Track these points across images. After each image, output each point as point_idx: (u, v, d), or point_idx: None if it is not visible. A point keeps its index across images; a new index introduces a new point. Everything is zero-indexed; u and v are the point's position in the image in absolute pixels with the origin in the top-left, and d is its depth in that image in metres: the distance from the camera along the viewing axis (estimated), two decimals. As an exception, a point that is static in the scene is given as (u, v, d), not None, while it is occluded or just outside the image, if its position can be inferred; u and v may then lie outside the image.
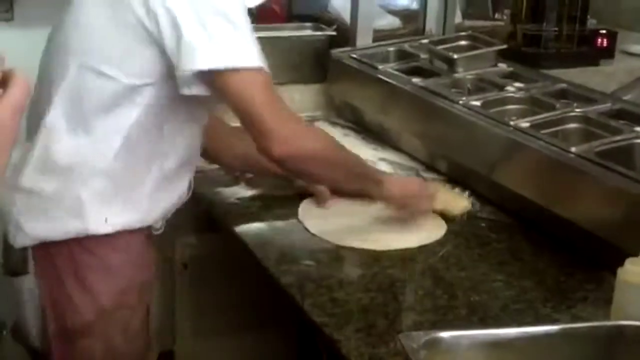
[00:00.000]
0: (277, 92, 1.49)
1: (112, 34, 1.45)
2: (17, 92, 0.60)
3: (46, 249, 1.52)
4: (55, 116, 1.48)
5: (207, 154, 1.74)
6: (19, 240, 1.53)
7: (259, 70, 1.43)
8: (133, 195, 1.52)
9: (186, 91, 1.42)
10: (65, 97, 1.48)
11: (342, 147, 1.63)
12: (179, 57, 1.40)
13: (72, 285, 1.52)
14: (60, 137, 1.47)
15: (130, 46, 1.44)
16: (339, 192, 1.73)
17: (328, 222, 1.68)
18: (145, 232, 1.57)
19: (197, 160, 1.66)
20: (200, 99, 1.46)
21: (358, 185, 1.64)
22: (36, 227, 1.50)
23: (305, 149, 1.50)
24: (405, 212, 1.67)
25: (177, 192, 1.60)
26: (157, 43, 1.42)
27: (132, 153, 1.49)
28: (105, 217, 1.50)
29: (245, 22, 1.46)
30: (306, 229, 1.66)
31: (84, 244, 1.50)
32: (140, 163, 1.51)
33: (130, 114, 1.46)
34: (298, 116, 1.59)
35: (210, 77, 1.41)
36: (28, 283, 1.57)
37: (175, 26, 1.40)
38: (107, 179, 1.48)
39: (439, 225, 1.69)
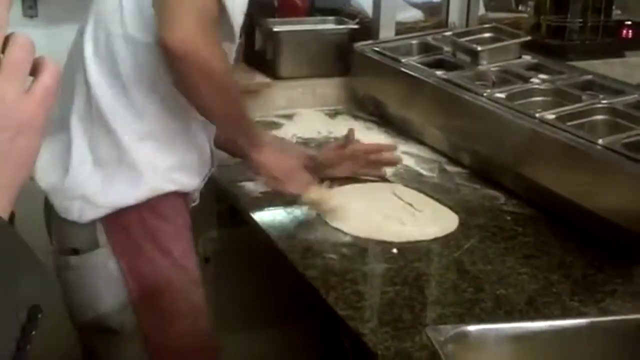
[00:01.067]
0: (212, 8, 1.43)
1: None
2: (48, 77, 0.61)
3: (118, 219, 1.53)
4: (102, 86, 1.52)
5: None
6: (89, 214, 1.53)
7: None
8: (184, 158, 1.58)
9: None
10: (103, 70, 1.52)
11: (234, 83, 1.58)
12: None
13: (152, 251, 1.55)
14: (112, 106, 1.52)
15: (140, 2, 1.48)
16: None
17: (348, 215, 1.67)
18: (189, 197, 1.65)
19: (211, 128, 1.67)
20: None
21: (236, 134, 1.63)
22: (107, 196, 1.52)
23: (204, 55, 1.42)
24: (273, 185, 1.69)
25: (204, 157, 1.65)
26: None
27: (174, 116, 1.55)
28: (171, 179, 1.56)
29: None
30: (328, 223, 1.65)
31: (153, 208, 1.55)
32: (182, 125, 1.57)
33: (160, 76, 1.50)
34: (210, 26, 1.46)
35: None
36: (96, 259, 1.55)
37: None
38: (158, 141, 1.54)
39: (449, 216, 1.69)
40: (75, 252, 1.56)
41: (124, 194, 1.53)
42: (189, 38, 1.39)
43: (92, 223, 1.54)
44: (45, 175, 1.54)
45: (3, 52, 0.59)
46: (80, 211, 1.53)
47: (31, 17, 2.44)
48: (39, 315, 0.58)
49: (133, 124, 1.53)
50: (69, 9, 2.34)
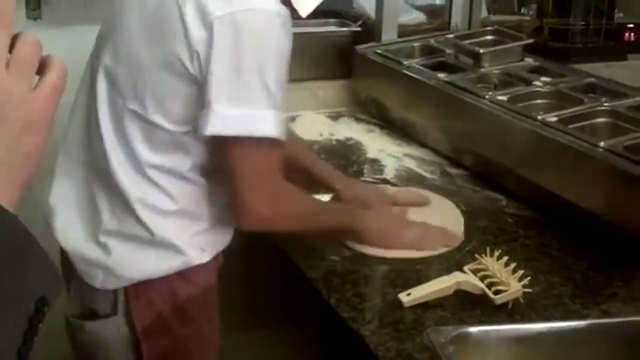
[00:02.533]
0: (276, 166, 1.42)
1: (154, 74, 1.38)
2: (55, 75, 0.62)
3: (143, 287, 1.46)
4: (117, 163, 1.44)
5: None
6: (112, 283, 1.46)
7: (269, 140, 1.37)
8: (213, 221, 1.50)
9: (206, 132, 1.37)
10: (117, 145, 1.44)
11: (314, 212, 1.56)
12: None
13: (172, 318, 1.49)
14: (128, 182, 1.44)
15: (173, 91, 1.38)
16: None
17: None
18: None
19: None
20: None
21: (340, 234, 1.59)
22: (132, 269, 1.46)
23: (276, 225, 1.48)
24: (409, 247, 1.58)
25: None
26: (199, 88, 1.36)
27: (200, 189, 1.47)
28: (201, 247, 1.49)
29: (279, 79, 1.38)
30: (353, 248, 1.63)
31: (184, 276, 1.48)
32: (207, 195, 1.49)
33: (185, 161, 1.44)
34: (281, 185, 1.46)
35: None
36: (113, 324, 1.48)
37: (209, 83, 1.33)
38: (185, 215, 1.46)
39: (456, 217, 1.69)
40: (93, 313, 1.50)
41: (152, 267, 1.46)
42: (255, 219, 1.41)
43: (113, 290, 1.48)
44: (68, 234, 1.49)
45: (11, 50, 0.59)
46: (103, 279, 1.47)
47: (35, 19, 2.45)
48: (46, 308, 0.59)
49: (152, 201, 1.45)
50: (72, 11, 2.36)
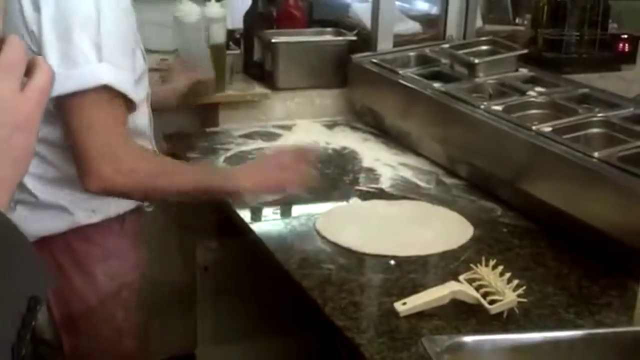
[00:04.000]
0: (118, 121, 1.46)
1: None
2: (43, 77, 0.63)
3: (45, 243, 1.55)
4: None
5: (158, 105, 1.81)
6: None
7: (102, 88, 1.41)
8: None
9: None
10: None
11: (173, 162, 1.60)
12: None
13: (73, 274, 1.59)
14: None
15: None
16: None
17: (347, 230, 1.67)
18: (137, 211, 1.65)
19: (148, 129, 1.67)
20: None
21: (208, 197, 1.63)
22: (33, 227, 1.51)
23: (121, 185, 1.46)
24: (279, 190, 1.69)
25: None
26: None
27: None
28: (93, 209, 1.57)
29: (110, 27, 1.43)
30: (325, 236, 1.66)
31: (80, 233, 1.58)
32: None
33: (56, 129, 1.49)
34: (126, 142, 1.49)
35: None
36: None
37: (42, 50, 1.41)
38: (75, 180, 1.51)
39: (465, 229, 1.68)
40: None
41: (49, 225, 1.57)
42: (99, 180, 1.43)
43: None
44: None
45: None
46: None
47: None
48: (38, 307, 0.59)
49: (40, 172, 1.54)
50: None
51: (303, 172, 1.66)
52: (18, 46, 0.62)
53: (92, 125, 1.43)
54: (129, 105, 1.49)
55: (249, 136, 2.25)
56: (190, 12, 2.14)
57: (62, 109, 1.44)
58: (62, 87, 1.38)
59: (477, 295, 1.36)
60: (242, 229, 1.78)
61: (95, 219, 1.58)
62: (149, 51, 1.70)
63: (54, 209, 1.56)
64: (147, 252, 1.74)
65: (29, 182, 1.53)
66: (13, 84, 0.61)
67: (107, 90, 1.43)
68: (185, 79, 1.99)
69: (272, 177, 1.64)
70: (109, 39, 1.43)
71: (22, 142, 0.62)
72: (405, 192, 1.91)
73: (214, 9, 2.20)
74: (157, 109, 1.76)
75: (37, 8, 1.43)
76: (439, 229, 1.70)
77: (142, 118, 1.63)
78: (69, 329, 1.63)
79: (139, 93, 1.54)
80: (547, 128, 1.77)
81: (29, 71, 0.63)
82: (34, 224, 1.53)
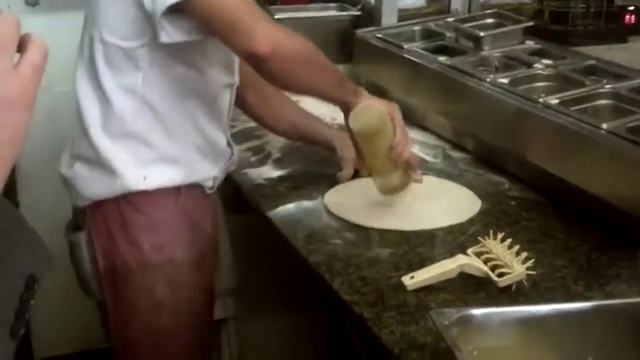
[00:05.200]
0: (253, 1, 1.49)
1: (107, 2, 1.56)
2: (35, 52, 0.61)
3: (98, 207, 1.64)
4: (83, 88, 1.61)
5: (263, 122, 1.88)
6: (75, 201, 1.69)
7: None
8: (169, 152, 1.62)
9: (165, 38, 1.49)
10: (84, 70, 1.61)
11: (320, 51, 1.59)
12: (152, 4, 1.47)
13: (120, 239, 1.62)
14: (90, 106, 1.60)
15: (123, 9, 1.53)
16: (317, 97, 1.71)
17: (354, 205, 1.67)
18: (198, 191, 1.67)
19: (225, 117, 1.71)
20: (194, 46, 1.55)
21: (339, 93, 1.60)
22: (87, 189, 1.64)
23: (289, 45, 1.49)
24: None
25: (215, 150, 1.68)
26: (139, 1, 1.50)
27: (153, 113, 1.59)
28: (144, 175, 1.60)
29: None
30: (332, 213, 1.65)
31: (130, 201, 1.61)
32: (165, 121, 1.60)
33: (137, 76, 1.56)
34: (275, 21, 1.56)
35: (184, 12, 1.46)
36: (82, 238, 1.67)
37: None
38: (136, 139, 1.60)
39: (472, 203, 1.67)
40: (77, 226, 1.71)
41: (101, 188, 1.62)
42: (267, 37, 1.43)
43: (84, 208, 1.66)
44: (61, 161, 1.71)
45: None
46: (74, 198, 1.69)
47: (33, 5, 2.44)
48: (36, 285, 0.59)
49: (106, 123, 1.60)
50: (70, -3, 2.34)
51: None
52: (11, 22, 0.60)
53: (238, 4, 1.46)
54: None
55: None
56: None
57: (187, 8, 1.45)
58: None
59: (486, 268, 1.35)
60: (250, 204, 1.78)
61: (144, 185, 1.60)
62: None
63: (107, 171, 1.60)
64: (225, 245, 1.78)
65: (94, 133, 1.59)
66: (5, 60, 0.59)
67: None
68: (349, 163, 1.79)
69: (398, 117, 1.62)
70: None
71: (16, 120, 0.60)
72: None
73: None
74: (298, 137, 1.82)
75: None
76: (446, 203, 1.69)
77: (222, 104, 1.67)
78: (110, 288, 1.66)
79: (223, 78, 1.62)
80: (554, 100, 1.75)
81: (22, 47, 0.61)
82: (88, 186, 1.63)
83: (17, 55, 0.61)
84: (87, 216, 1.66)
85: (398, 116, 1.63)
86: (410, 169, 1.67)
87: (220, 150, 1.70)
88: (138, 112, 1.58)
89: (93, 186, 1.63)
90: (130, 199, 1.61)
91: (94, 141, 1.60)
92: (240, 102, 1.81)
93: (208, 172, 1.68)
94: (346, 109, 1.61)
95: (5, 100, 0.59)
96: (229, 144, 1.73)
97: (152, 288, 1.63)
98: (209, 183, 1.69)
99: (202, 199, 1.69)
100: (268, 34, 1.44)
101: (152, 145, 1.60)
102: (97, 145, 1.60)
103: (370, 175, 1.68)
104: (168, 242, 1.63)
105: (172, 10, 1.46)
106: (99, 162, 1.61)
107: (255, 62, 1.48)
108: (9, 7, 2.34)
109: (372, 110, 1.59)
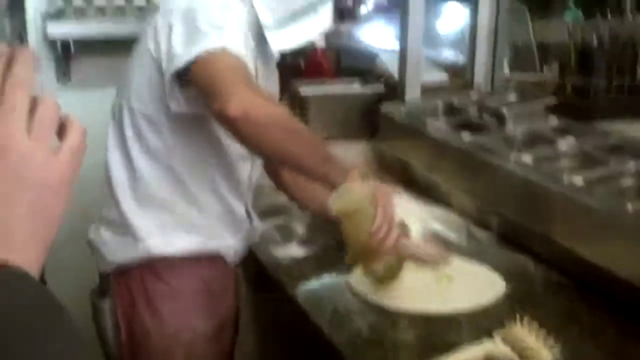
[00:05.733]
0: (244, 68, 1.50)
1: (136, 71, 1.64)
2: (74, 137, 0.63)
3: (122, 273, 1.67)
4: (112, 153, 1.66)
5: (295, 200, 1.90)
6: (100, 267, 1.72)
7: (222, 49, 1.48)
8: (190, 219, 1.65)
9: (175, 107, 1.56)
10: (113, 136, 1.66)
11: (305, 126, 1.59)
12: (165, 69, 1.54)
13: (142, 307, 1.65)
14: (117, 171, 1.65)
15: (147, 76, 1.60)
16: (300, 173, 1.63)
17: (380, 285, 1.66)
18: (218, 261, 1.70)
19: (244, 187, 1.74)
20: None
21: (324, 169, 1.49)
22: (110, 254, 1.67)
23: (262, 109, 1.44)
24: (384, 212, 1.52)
25: (234, 218, 1.71)
26: (159, 67, 1.56)
27: (176, 179, 1.63)
28: (166, 242, 1.64)
29: (224, 19, 1.53)
30: (357, 292, 1.65)
31: (152, 269, 1.64)
32: (187, 188, 1.64)
33: (160, 142, 1.61)
34: (259, 87, 1.56)
35: (188, 83, 1.52)
36: (106, 304, 1.71)
37: (168, 48, 1.54)
38: (160, 205, 1.64)
39: (497, 284, 1.66)
40: (101, 292, 1.74)
41: (124, 254, 1.66)
42: (241, 100, 1.42)
43: (108, 274, 1.70)
44: (91, 224, 1.74)
45: (31, 114, 0.60)
46: (98, 262, 1.72)
47: (64, 82, 2.50)
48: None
49: (132, 188, 1.64)
50: (100, 73, 2.40)
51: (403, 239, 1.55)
52: (51, 107, 0.62)
53: (224, 67, 1.48)
54: None
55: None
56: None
57: (190, 77, 1.50)
58: (183, 57, 1.49)
59: (513, 354, 1.34)
60: (274, 282, 1.78)
61: (165, 252, 1.63)
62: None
63: (130, 236, 1.64)
64: (248, 320, 1.82)
65: (120, 198, 1.64)
66: (46, 145, 0.61)
67: (226, 51, 1.49)
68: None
69: (385, 202, 1.51)
70: (226, 24, 1.52)
71: (55, 203, 0.62)
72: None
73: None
74: (327, 218, 1.75)
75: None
76: (471, 284, 1.68)
77: (241, 173, 1.72)
78: (130, 355, 1.69)
79: (239, 148, 1.62)
80: (578, 179, 1.75)
81: (62, 130, 0.63)
82: (111, 250, 1.67)
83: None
84: (111, 282, 1.69)
85: (386, 201, 1.51)
86: (409, 258, 1.57)
87: (239, 219, 1.73)
88: (162, 178, 1.63)
89: (116, 251, 1.67)
90: (152, 267, 1.64)
91: (120, 206, 1.64)
92: (275, 178, 1.86)
93: (228, 241, 1.71)
94: (332, 189, 1.51)
95: (45, 184, 0.61)
96: (248, 214, 1.76)
97: (171, 356, 1.65)
98: (230, 254, 1.72)
99: (224, 271, 1.72)
100: (242, 98, 1.42)
101: (174, 211, 1.64)
102: (122, 210, 1.64)
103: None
104: (188, 311, 1.66)
105: (181, 78, 1.52)
106: (123, 227, 1.65)
107: (224, 123, 1.46)
108: (42, 83, 2.40)
109: (353, 191, 1.49)
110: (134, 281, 1.66)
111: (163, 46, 1.56)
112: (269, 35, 1.65)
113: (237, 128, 1.45)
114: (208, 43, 1.49)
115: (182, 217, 1.65)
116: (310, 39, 1.80)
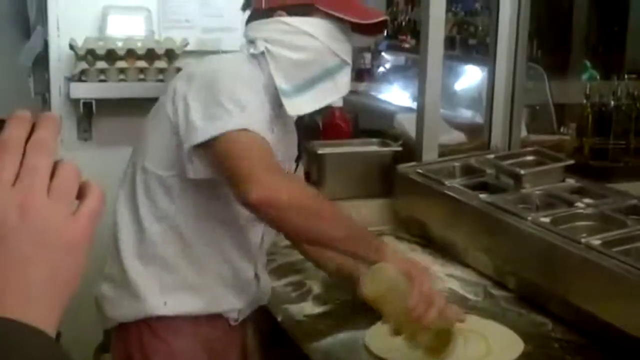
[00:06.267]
0: (266, 150, 1.51)
1: (152, 131, 1.66)
2: (94, 201, 0.64)
3: (122, 330, 1.67)
4: (121, 210, 1.67)
5: (312, 261, 1.89)
6: (103, 323, 1.73)
7: (244, 130, 1.49)
8: (191, 281, 1.65)
9: (191, 173, 1.56)
10: (124, 196, 1.67)
11: (333, 203, 1.59)
12: (184, 138, 1.55)
13: None
14: (124, 228, 1.66)
15: (163, 138, 1.61)
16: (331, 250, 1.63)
17: (395, 346, 1.65)
18: (221, 321, 1.69)
19: (255, 249, 1.73)
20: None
21: (355, 249, 1.53)
22: (111, 310, 1.68)
23: (284, 194, 1.45)
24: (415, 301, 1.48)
25: (240, 281, 1.70)
26: (176, 132, 1.58)
27: (182, 240, 1.64)
28: (165, 301, 1.63)
29: (247, 98, 1.54)
30: (372, 352, 1.63)
31: (151, 327, 1.64)
32: (191, 249, 1.65)
33: (170, 204, 1.62)
34: (282, 169, 1.58)
35: (206, 152, 1.53)
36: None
37: (187, 116, 1.55)
38: (162, 264, 1.64)
39: (515, 345, 1.65)
40: (104, 347, 1.80)
41: (123, 310, 1.66)
42: (262, 187, 1.43)
43: (110, 331, 1.72)
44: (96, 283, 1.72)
45: (52, 177, 0.62)
46: (100, 318, 1.73)
47: (85, 140, 2.54)
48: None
49: (137, 247, 1.65)
50: (120, 132, 2.44)
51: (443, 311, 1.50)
52: (71, 171, 0.64)
53: (245, 149, 1.49)
54: None
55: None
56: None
57: (209, 151, 1.52)
58: (205, 133, 1.50)
59: None
60: (289, 338, 1.77)
61: (164, 311, 1.63)
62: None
63: (130, 293, 1.64)
64: None
65: (125, 255, 1.64)
66: (65, 208, 0.63)
67: (248, 132, 1.50)
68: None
69: (421, 279, 1.50)
70: (241, 99, 1.53)
71: (73, 264, 0.63)
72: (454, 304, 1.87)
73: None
74: (343, 279, 1.78)
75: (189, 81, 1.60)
76: (489, 345, 1.66)
77: (253, 236, 1.72)
78: None
79: None
80: (596, 241, 1.74)
81: (81, 193, 0.64)
82: (112, 307, 1.67)
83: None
84: (112, 339, 1.70)
85: (420, 278, 1.50)
86: (449, 327, 1.53)
87: (246, 282, 1.72)
88: (168, 238, 1.63)
89: (117, 308, 1.67)
90: (151, 325, 1.64)
91: (124, 263, 1.65)
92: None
93: (231, 304, 1.70)
94: (361, 263, 1.56)
95: (64, 245, 0.62)
96: (256, 277, 1.74)
97: None
98: (233, 315, 1.71)
99: (226, 330, 1.70)
100: (263, 183, 1.43)
101: (176, 271, 1.64)
102: (126, 268, 1.64)
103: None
104: None
105: (200, 147, 1.53)
106: (124, 284, 1.65)
107: (246, 207, 1.49)
108: (62, 141, 2.44)
109: (383, 273, 1.50)
110: (132, 338, 1.66)
111: (181, 113, 1.57)
112: (286, 102, 1.64)
113: (260, 213, 1.50)
114: (230, 123, 1.49)
115: (184, 278, 1.65)
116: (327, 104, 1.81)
